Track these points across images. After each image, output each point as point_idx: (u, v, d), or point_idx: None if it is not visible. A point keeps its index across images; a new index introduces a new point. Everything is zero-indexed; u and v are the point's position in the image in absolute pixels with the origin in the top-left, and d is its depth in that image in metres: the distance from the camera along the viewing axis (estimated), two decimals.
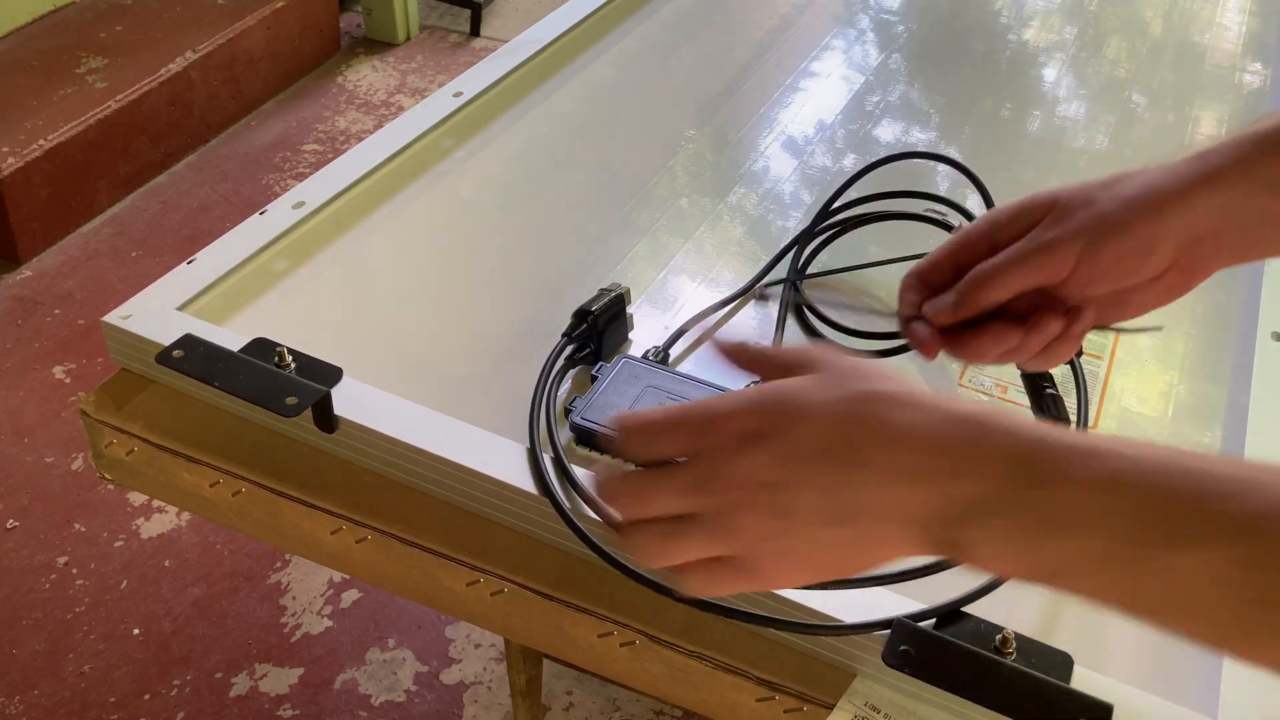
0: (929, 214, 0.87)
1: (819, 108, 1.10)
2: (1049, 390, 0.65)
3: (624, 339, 0.77)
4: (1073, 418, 0.68)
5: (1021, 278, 0.54)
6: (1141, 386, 0.79)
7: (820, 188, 0.97)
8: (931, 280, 0.58)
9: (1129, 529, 0.37)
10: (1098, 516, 0.37)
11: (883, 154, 0.92)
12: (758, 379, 0.76)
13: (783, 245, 0.88)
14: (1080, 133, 1.09)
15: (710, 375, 0.74)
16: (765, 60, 1.18)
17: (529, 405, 0.68)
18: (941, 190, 0.96)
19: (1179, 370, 0.81)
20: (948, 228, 0.86)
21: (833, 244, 0.89)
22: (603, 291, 0.74)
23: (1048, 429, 0.40)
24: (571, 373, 0.73)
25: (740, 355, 0.48)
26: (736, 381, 0.73)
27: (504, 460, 0.64)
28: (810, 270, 0.86)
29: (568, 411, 0.70)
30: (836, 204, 0.90)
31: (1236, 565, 0.36)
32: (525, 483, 0.62)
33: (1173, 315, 0.86)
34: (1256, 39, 1.28)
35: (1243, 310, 0.86)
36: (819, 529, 0.41)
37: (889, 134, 1.06)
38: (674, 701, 0.63)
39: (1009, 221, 0.55)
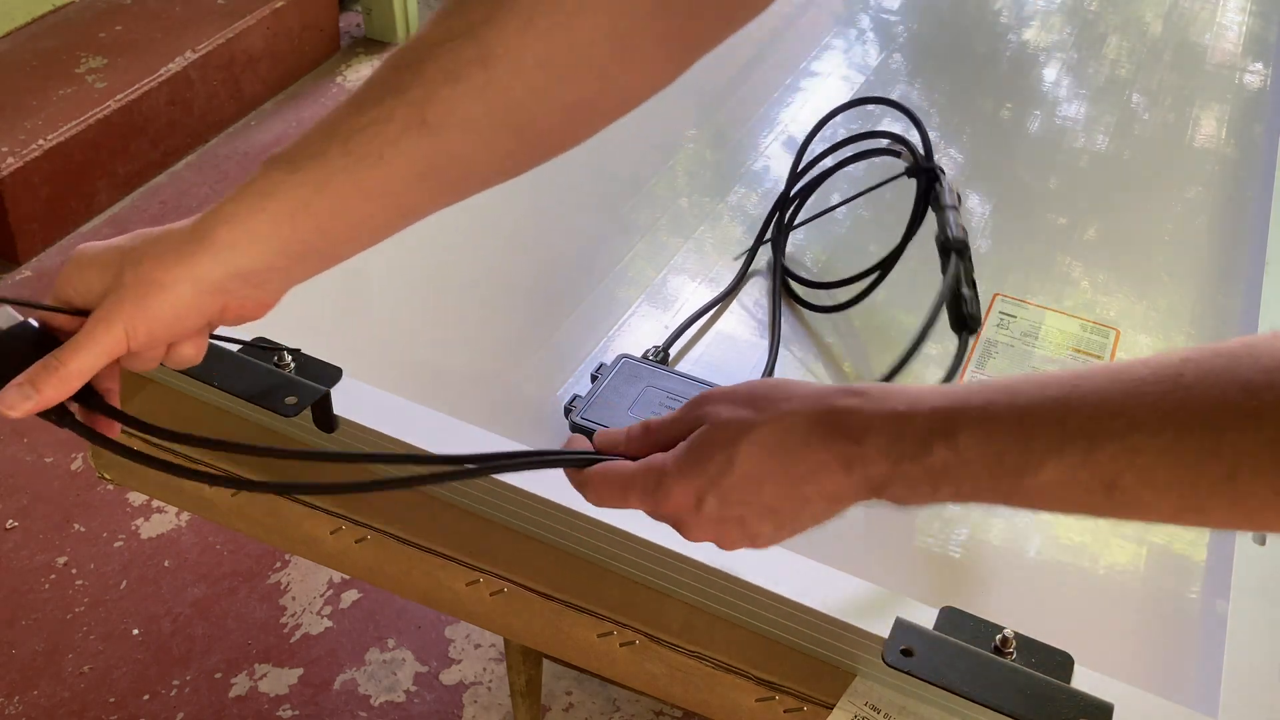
0: (887, 149, 0.86)
1: (819, 107, 1.10)
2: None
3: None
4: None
5: (92, 361, 0.53)
6: None
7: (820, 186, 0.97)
8: None
9: (988, 471, 0.46)
10: (961, 469, 0.46)
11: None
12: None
13: (763, 219, 0.89)
14: (1080, 133, 1.09)
15: (710, 375, 0.74)
16: (765, 60, 1.18)
17: (533, 404, 0.67)
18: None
19: None
20: (898, 155, 0.85)
21: (809, 210, 0.90)
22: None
23: (910, 403, 0.48)
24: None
25: (645, 442, 0.55)
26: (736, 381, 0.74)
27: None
28: (790, 236, 0.89)
29: (568, 411, 0.70)
30: (802, 164, 0.90)
31: (1077, 469, 0.44)
32: (526, 483, 0.62)
33: (1173, 315, 0.86)
34: (1256, 39, 1.28)
35: (1243, 310, 0.86)
36: (775, 530, 0.52)
37: None
38: (674, 701, 0.63)
39: None
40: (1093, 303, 0.86)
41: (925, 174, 0.80)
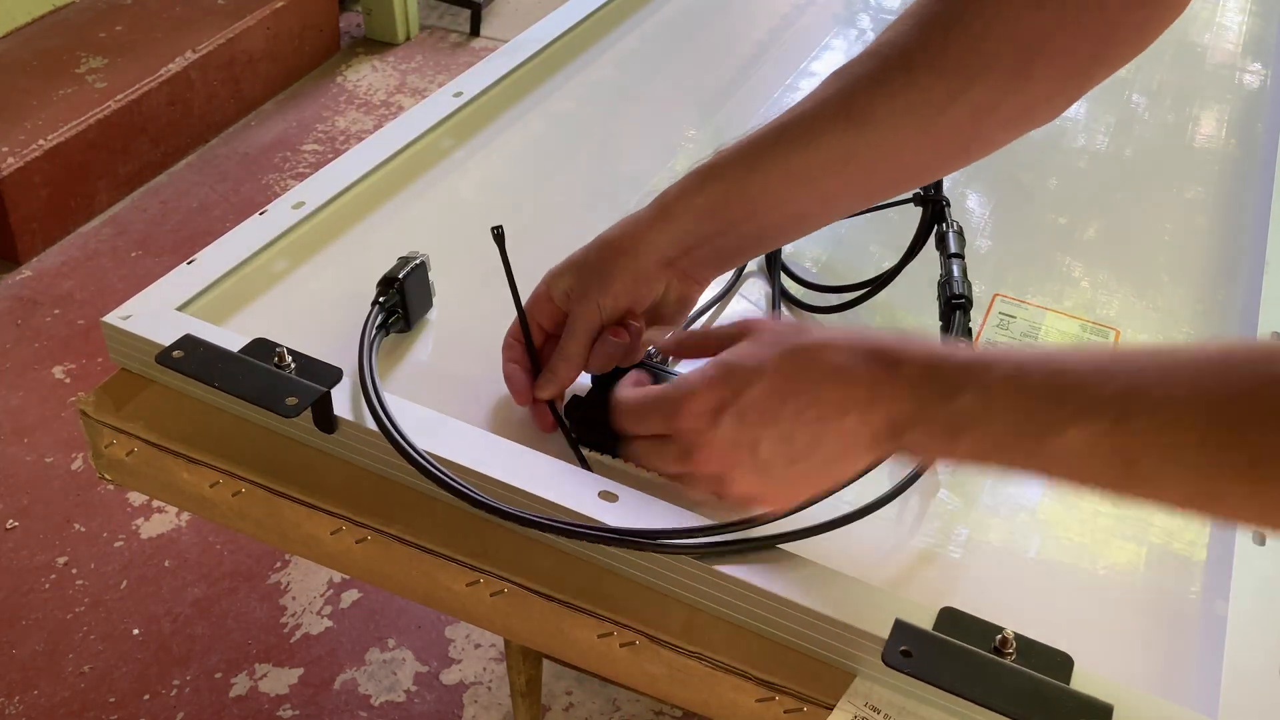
0: None
1: None
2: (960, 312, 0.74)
3: (429, 304, 0.78)
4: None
5: (584, 338, 0.66)
6: None
7: None
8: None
9: (1013, 424, 0.46)
10: (986, 418, 0.47)
11: None
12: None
13: None
14: (1080, 133, 1.09)
15: None
16: (765, 60, 1.18)
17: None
18: None
19: None
20: None
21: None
22: (403, 260, 0.75)
23: (949, 350, 0.50)
24: (382, 339, 0.74)
25: (684, 347, 0.61)
26: None
27: (504, 461, 0.64)
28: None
29: (568, 412, 0.70)
30: None
31: (1102, 436, 0.44)
32: (526, 483, 0.62)
33: (1172, 315, 0.86)
34: (1256, 39, 1.28)
35: (1243, 310, 0.86)
36: (788, 467, 0.52)
37: None
38: (674, 702, 0.63)
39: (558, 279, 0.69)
40: (1093, 302, 0.86)
41: (931, 204, 0.81)
